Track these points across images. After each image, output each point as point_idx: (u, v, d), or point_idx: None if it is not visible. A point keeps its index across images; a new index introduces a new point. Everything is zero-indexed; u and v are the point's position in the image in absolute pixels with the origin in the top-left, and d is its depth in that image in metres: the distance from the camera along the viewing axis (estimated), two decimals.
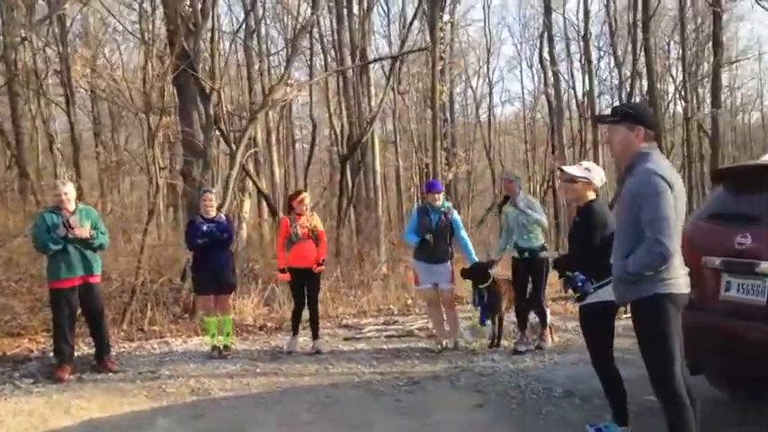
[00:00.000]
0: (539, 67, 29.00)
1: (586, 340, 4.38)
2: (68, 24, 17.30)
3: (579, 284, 4.01)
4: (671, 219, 3.31)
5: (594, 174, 4.38)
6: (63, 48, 16.33)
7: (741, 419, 4.54)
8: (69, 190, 6.56)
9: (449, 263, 7.13)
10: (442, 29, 18.32)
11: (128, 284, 9.08)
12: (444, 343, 7.14)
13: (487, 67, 31.66)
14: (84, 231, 6.38)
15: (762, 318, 3.88)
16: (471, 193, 30.01)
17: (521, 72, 64.99)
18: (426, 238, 6.94)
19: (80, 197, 8.48)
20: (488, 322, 7.17)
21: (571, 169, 4.55)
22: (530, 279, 6.86)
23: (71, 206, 6.51)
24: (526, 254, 6.76)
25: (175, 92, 11.82)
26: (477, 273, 6.97)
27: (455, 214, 7.20)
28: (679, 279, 3.45)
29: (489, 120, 31.50)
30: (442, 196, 7.14)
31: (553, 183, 25.18)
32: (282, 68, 20.78)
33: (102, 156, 18.86)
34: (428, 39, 21.38)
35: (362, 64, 14.91)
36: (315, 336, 7.30)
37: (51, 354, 6.82)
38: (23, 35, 13.75)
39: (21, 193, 13.48)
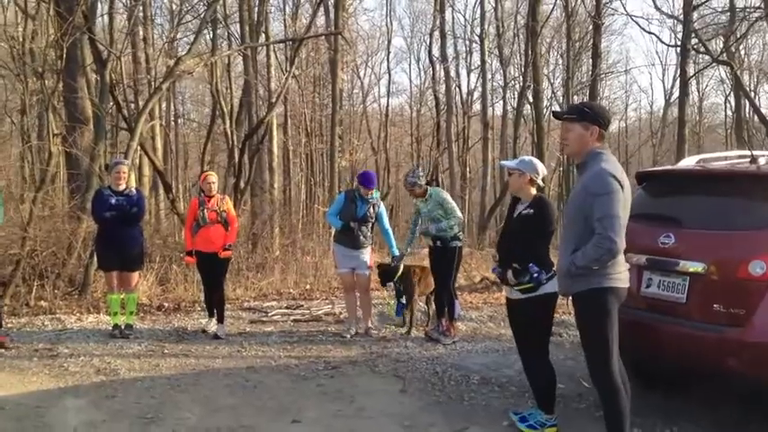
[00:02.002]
0: (426, 62, 29.70)
1: (524, 333, 4.45)
2: None
3: (535, 275, 4.15)
4: (621, 217, 3.53)
5: (527, 166, 4.46)
6: None
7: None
8: None
9: (368, 249, 7.22)
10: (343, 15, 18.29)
11: (9, 257, 8.44)
12: (354, 329, 7.19)
13: (387, 56, 31.79)
14: None
15: (681, 314, 4.22)
16: (355, 183, 30.15)
17: (409, 65, 66.04)
18: (351, 225, 6.98)
19: None
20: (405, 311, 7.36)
21: (507, 162, 4.73)
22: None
23: None
24: (438, 242, 6.92)
25: (60, 54, 11.04)
26: (384, 274, 7.28)
27: (381, 206, 7.31)
28: (621, 274, 3.69)
29: (386, 112, 31.66)
30: (374, 189, 7.18)
31: (437, 176, 25.79)
32: (168, 41, 20.21)
33: None
34: (320, 24, 21.44)
35: (271, 43, 14.61)
36: (218, 320, 7.11)
37: None
38: None
39: None
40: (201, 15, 11.25)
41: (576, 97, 26.88)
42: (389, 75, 40.25)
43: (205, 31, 12.34)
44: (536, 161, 4.55)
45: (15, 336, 6.72)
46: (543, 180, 4.53)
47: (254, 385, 5.35)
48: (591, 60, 22.11)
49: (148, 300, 8.70)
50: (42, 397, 4.94)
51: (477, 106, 29.83)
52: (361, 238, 7.05)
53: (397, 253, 7.30)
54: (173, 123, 26.96)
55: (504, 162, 4.82)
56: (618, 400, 3.62)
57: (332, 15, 18.94)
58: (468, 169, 30.30)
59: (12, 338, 6.51)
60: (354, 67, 31.65)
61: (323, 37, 19.11)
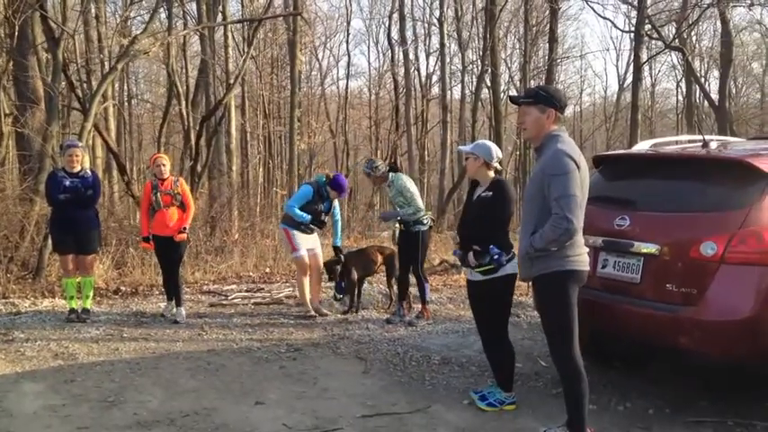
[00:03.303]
0: (385, 44, 29.66)
1: (486, 313, 4.53)
2: None
3: (496, 257, 4.23)
4: (577, 197, 3.60)
5: (480, 149, 4.52)
6: None
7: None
8: None
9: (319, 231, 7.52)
10: None
11: None
12: (309, 310, 7.24)
13: (346, 38, 31.53)
14: None
15: (635, 294, 4.35)
16: (313, 166, 30.12)
17: (368, 48, 65.69)
18: (321, 221, 7.29)
19: None
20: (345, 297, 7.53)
21: (462, 147, 4.81)
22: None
23: None
24: (402, 226, 7.00)
25: (8, 31, 10.72)
26: (330, 268, 7.47)
27: (337, 206, 7.53)
28: (581, 257, 3.77)
29: (347, 94, 31.51)
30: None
31: (396, 159, 25.85)
32: (121, 19, 19.74)
33: None
34: (275, 4, 21.18)
35: (229, 23, 14.39)
36: (177, 303, 7.06)
37: None
38: None
39: None
40: None
41: (532, 81, 27.20)
42: (349, 57, 39.97)
43: (161, 10, 12.04)
44: (491, 145, 4.61)
45: None
46: (500, 163, 4.60)
47: (215, 368, 5.34)
48: (548, 45, 22.35)
49: (105, 284, 8.57)
50: None
51: (435, 90, 29.99)
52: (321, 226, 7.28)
53: (339, 244, 7.56)
54: (126, 104, 26.38)
55: (460, 147, 4.89)
56: (579, 382, 3.69)
57: None
58: (426, 152, 30.44)
59: None
60: (313, 48, 31.45)
61: (281, 18, 18.91)
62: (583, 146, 34.07)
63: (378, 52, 38.16)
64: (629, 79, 26.75)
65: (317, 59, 32.79)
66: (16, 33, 8.78)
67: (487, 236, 4.30)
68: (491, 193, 4.41)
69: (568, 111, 38.46)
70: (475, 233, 4.39)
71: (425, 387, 4.98)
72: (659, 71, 36.63)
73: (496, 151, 4.58)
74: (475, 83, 22.41)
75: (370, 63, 63.44)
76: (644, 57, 20.57)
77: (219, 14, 15.34)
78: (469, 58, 28.77)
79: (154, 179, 6.98)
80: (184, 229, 6.92)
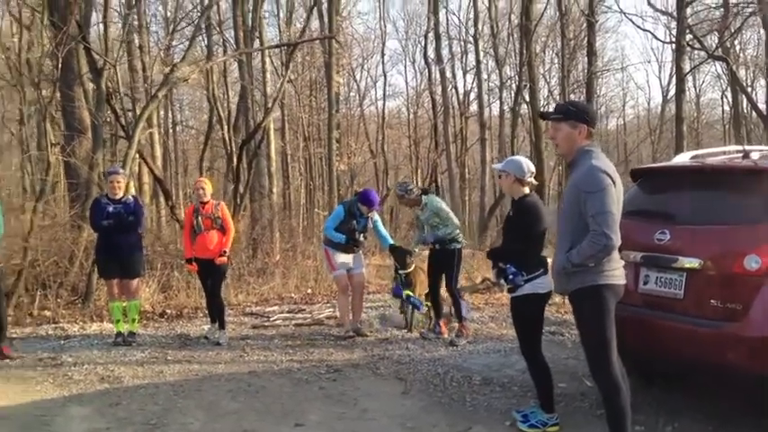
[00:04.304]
0: (422, 63, 29.77)
1: (517, 331, 4.56)
2: None
3: (510, 276, 4.21)
4: (614, 213, 3.56)
5: (512, 166, 4.50)
6: None
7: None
8: None
9: (360, 250, 7.48)
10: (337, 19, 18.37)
11: (12, 267, 8.47)
12: (349, 330, 7.24)
13: (382, 59, 31.81)
14: None
15: (678, 310, 4.25)
16: (354, 186, 30.26)
17: (405, 67, 66.04)
18: (357, 240, 7.23)
19: None
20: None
21: (496, 165, 4.79)
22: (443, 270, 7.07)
23: None
24: (437, 245, 6.99)
25: (56, 64, 11.11)
26: (401, 253, 7.34)
27: (376, 214, 7.46)
28: (617, 271, 3.72)
29: (385, 114, 31.70)
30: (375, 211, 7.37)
31: (436, 177, 25.83)
32: (164, 48, 20.25)
33: None
34: (315, 28, 21.48)
35: (265, 48, 14.65)
36: (219, 326, 7.15)
37: None
38: None
39: None
40: (195, 22, 11.28)
41: (572, 95, 26.96)
42: (385, 77, 40.14)
43: (200, 38, 12.35)
44: (523, 161, 4.57)
45: (19, 346, 6.76)
46: (535, 178, 4.58)
47: (256, 390, 5.38)
48: (586, 58, 22.15)
49: (151, 307, 8.73)
50: (47, 406, 4.98)
51: (474, 107, 29.94)
52: (357, 244, 7.26)
53: (392, 242, 7.60)
54: (171, 131, 26.98)
55: (494, 165, 4.89)
56: (619, 397, 3.65)
57: (326, 19, 18.96)
58: (466, 170, 30.35)
59: (16, 348, 6.54)
60: (350, 70, 31.72)
61: (317, 41, 19.14)
62: (628, 159, 33.56)
63: (415, 71, 38.16)
64: (673, 91, 26.31)
65: (355, 81, 33.06)
66: (60, 65, 9.04)
67: (508, 254, 4.29)
68: (512, 212, 4.43)
69: (611, 124, 38.02)
70: (500, 251, 4.39)
71: (466, 408, 4.92)
72: (703, 81, 35.77)
73: (528, 166, 4.54)
74: (513, 98, 22.29)
75: (407, 83, 63.55)
76: (686, 67, 20.21)
77: (257, 40, 15.63)
78: (507, 74, 28.72)
79: (196, 203, 7.13)
80: (224, 252, 7.02)
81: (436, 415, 4.76)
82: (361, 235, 7.32)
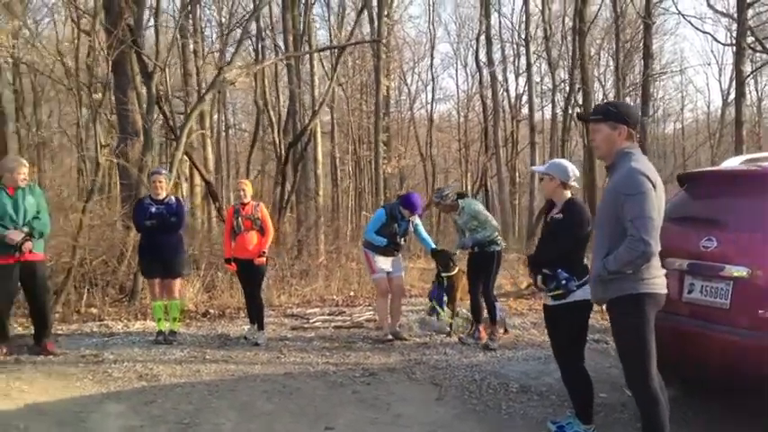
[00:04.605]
0: (474, 66, 29.53)
1: (558, 339, 4.39)
2: None
3: (564, 282, 4.05)
4: (654, 218, 3.40)
5: (556, 169, 4.39)
6: None
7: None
8: (27, 169, 6.26)
9: (400, 253, 7.46)
10: (384, 23, 18.37)
11: (62, 265, 8.70)
12: (388, 334, 7.20)
13: (431, 63, 31.70)
14: (16, 235, 6.05)
15: (724, 320, 4.04)
16: (403, 189, 30.22)
17: (456, 71, 65.73)
18: (398, 243, 7.21)
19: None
20: (442, 315, 7.36)
21: (536, 167, 4.66)
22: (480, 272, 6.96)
23: (23, 184, 6.20)
24: (476, 248, 6.88)
25: (111, 68, 11.38)
26: (444, 256, 7.32)
27: (417, 218, 7.42)
28: (658, 279, 3.56)
29: (434, 117, 31.61)
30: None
31: (485, 181, 25.58)
32: (219, 52, 20.59)
33: (25, 132, 17.94)
34: (366, 32, 21.50)
35: (312, 51, 14.75)
36: (258, 327, 7.17)
37: None
38: None
39: None
40: (241, 25, 11.41)
41: (628, 98, 26.36)
42: (433, 81, 39.89)
43: (249, 42, 12.49)
44: (566, 163, 4.46)
45: (63, 342, 6.89)
46: (577, 182, 4.43)
47: (290, 392, 5.36)
48: (642, 61, 21.59)
49: (195, 306, 8.84)
50: (84, 402, 5.04)
51: (525, 110, 29.55)
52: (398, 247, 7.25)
53: (435, 245, 7.62)
54: (224, 134, 27.41)
55: (534, 167, 4.75)
56: (657, 409, 3.50)
57: (375, 23, 18.98)
58: (517, 174, 29.97)
59: (60, 345, 6.68)
60: (401, 73, 31.73)
61: (366, 45, 19.17)
62: (686, 164, 32.56)
63: (466, 75, 37.94)
64: (733, 94, 25.43)
65: (406, 84, 33.05)
66: (109, 69, 9.25)
67: (557, 259, 4.13)
68: (561, 215, 4.25)
69: (669, 128, 36.95)
70: (544, 256, 4.23)
71: (501, 416, 4.81)
72: (766, 84, 34.53)
73: (573, 170, 4.42)
74: (564, 102, 21.91)
75: (458, 86, 63.43)
76: (747, 70, 19.51)
77: (306, 44, 15.74)
78: (561, 76, 28.27)
79: (236, 204, 7.18)
80: (263, 252, 7.05)
81: (470, 422, 4.65)
82: (402, 239, 7.29)
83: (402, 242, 7.32)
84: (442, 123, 36.66)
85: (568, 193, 4.37)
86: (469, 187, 31.20)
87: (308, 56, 15.71)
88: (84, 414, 4.77)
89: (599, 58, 29.59)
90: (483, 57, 26.34)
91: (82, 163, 13.21)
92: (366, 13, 20.42)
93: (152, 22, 10.97)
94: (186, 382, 5.59)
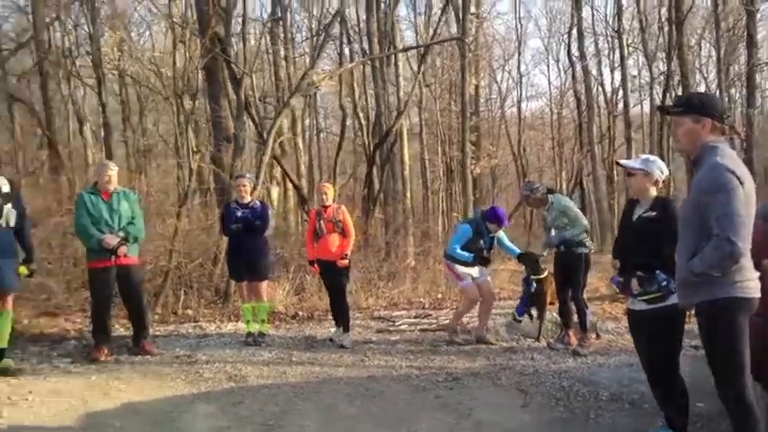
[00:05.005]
0: (566, 62, 28.81)
1: (643, 346, 4.16)
2: (98, 5, 17.27)
3: (664, 284, 3.85)
4: (742, 216, 3.17)
5: (653, 165, 4.18)
6: (93, 28, 16.33)
7: None
8: (114, 173, 6.55)
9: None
10: (470, 21, 18.16)
11: (160, 268, 9.08)
12: (461, 337, 7.21)
13: (519, 59, 31.14)
14: (112, 239, 6.35)
15: None
16: (495, 189, 29.85)
17: (547, 67, 64.34)
18: (484, 257, 7.16)
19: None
20: (525, 317, 7.19)
21: (628, 162, 4.42)
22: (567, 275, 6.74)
23: (111, 187, 6.50)
24: (562, 247, 6.67)
25: (204, 77, 11.80)
26: (531, 259, 7.19)
27: (501, 232, 7.33)
28: (750, 282, 3.32)
29: (519, 115, 31.06)
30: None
31: (581, 179, 24.87)
32: (309, 57, 20.98)
33: (130, 139, 18.90)
34: (454, 31, 21.34)
35: (393, 53, 14.77)
36: (344, 329, 7.23)
37: (89, 333, 6.84)
38: (55, 15, 13.76)
39: (52, 173, 13.52)
40: (323, 29, 11.57)
41: (732, 90, 25.02)
42: (520, 78, 39.18)
43: (334, 45, 12.62)
44: (659, 160, 4.24)
45: (161, 343, 7.18)
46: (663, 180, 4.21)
47: (373, 395, 5.36)
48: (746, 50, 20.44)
49: (284, 308, 9.02)
50: (176, 402, 5.22)
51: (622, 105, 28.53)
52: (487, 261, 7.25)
53: (521, 250, 7.53)
54: (315, 138, 27.91)
55: (625, 162, 4.48)
56: (750, 423, 3.27)
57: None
58: (615, 172, 28.97)
59: (157, 345, 6.96)
60: (491, 71, 31.32)
61: (452, 43, 18.99)
62: None
63: (558, 70, 37.02)
64: None
65: (496, 82, 32.61)
66: (203, 77, 9.58)
67: (653, 260, 3.91)
68: (654, 213, 4.03)
69: None
70: (638, 258, 4.01)
71: (589, 425, 4.62)
72: None
73: (665, 167, 4.22)
74: (662, 95, 20.99)
75: (550, 82, 62.05)
76: None
77: (390, 45, 15.78)
78: (659, 69, 27.12)
79: (319, 207, 7.28)
80: (346, 255, 7.10)
81: (555, 431, 4.50)
82: (488, 252, 7.22)
83: (488, 256, 7.23)
84: (534, 121, 35.96)
85: (654, 191, 4.16)
86: (564, 186, 30.47)
87: (393, 57, 15.71)
88: (176, 414, 4.93)
89: (699, 49, 28.20)
90: (575, 51, 25.73)
91: (180, 170, 13.75)
92: (453, 11, 20.32)
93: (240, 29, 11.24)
94: (273, 384, 5.70)
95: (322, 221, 7.09)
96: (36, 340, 7.20)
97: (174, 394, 5.44)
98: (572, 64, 26.75)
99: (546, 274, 7.12)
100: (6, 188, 5.85)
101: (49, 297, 8.18)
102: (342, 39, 15.27)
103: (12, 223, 5.83)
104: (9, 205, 5.82)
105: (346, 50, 22.01)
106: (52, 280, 8.30)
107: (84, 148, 17.79)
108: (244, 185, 7.19)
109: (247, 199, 7.17)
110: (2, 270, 5.73)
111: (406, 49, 16.57)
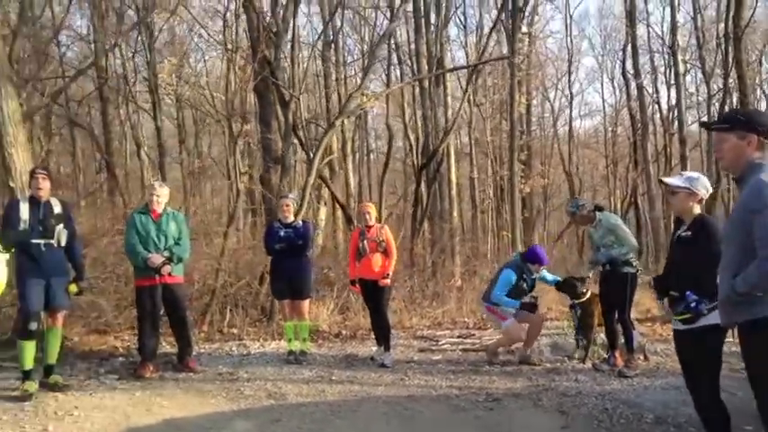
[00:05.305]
0: (620, 79, 28.34)
1: (693, 367, 4.04)
2: (156, 33, 17.89)
3: (693, 305, 3.73)
4: None
5: (697, 183, 4.07)
6: (151, 55, 16.91)
7: None
8: (162, 193, 6.72)
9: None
10: (520, 40, 18.09)
11: (208, 287, 9.25)
12: (501, 358, 7.16)
13: (568, 79, 30.83)
14: (157, 259, 6.51)
15: None
16: (547, 208, 29.47)
17: (601, 85, 63.44)
18: (533, 302, 7.12)
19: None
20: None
21: (672, 180, 4.30)
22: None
23: (159, 209, 6.67)
24: (607, 266, 6.52)
25: (256, 99, 12.06)
26: (569, 284, 7.11)
27: (544, 271, 7.33)
28: None
29: (570, 133, 30.68)
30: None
31: (635, 198, 24.34)
32: (359, 78, 21.23)
33: (186, 161, 19.42)
34: (505, 50, 21.27)
35: (439, 73, 14.81)
36: (385, 348, 7.20)
37: (136, 351, 7.00)
38: (114, 42, 14.30)
39: (110, 195, 13.97)
40: (371, 51, 11.71)
41: None
42: (571, 96, 38.66)
43: (382, 66, 12.72)
44: (703, 177, 4.13)
45: (205, 360, 7.30)
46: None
47: (411, 415, 5.32)
48: None
49: (328, 327, 9.06)
50: (216, 419, 5.27)
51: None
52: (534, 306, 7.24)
53: (556, 278, 7.42)
54: (365, 158, 28.14)
55: (669, 180, 4.35)
56: None
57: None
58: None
59: (201, 363, 7.07)
60: (543, 90, 31.05)
61: (506, 63, 18.95)
62: None
63: (613, 88, 36.37)
64: None
65: (548, 100, 32.29)
66: (249, 100, 9.79)
67: (685, 281, 3.79)
68: (690, 232, 3.92)
69: None
70: (672, 278, 3.90)
71: None
72: None
73: (709, 184, 4.11)
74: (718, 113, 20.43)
75: (604, 100, 61.18)
76: None
77: (438, 66, 15.84)
78: (718, 86, 26.42)
79: (362, 226, 7.31)
80: (387, 274, 7.09)
81: None
82: (532, 293, 7.20)
83: (534, 300, 7.17)
84: (588, 139, 35.42)
85: (697, 210, 4.04)
86: (618, 205, 29.87)
87: (442, 78, 15.75)
88: (215, 430, 4.98)
89: (760, 65, 27.40)
90: (630, 68, 25.29)
91: (230, 191, 14.06)
92: (503, 31, 20.28)
93: (289, 52, 11.46)
94: (311, 402, 5.71)
95: (365, 241, 7.12)
96: (85, 357, 7.39)
97: (215, 411, 5.49)
98: (626, 82, 26.29)
99: (588, 295, 6.96)
100: (58, 209, 6.06)
101: (99, 315, 8.39)
102: (390, 60, 15.37)
103: (63, 243, 6.01)
104: (61, 225, 6.01)
105: (397, 72, 22.26)
106: (103, 298, 8.53)
107: (140, 170, 18.38)
108: (287, 205, 7.29)
109: (290, 219, 7.26)
110: (53, 288, 5.92)
111: (453, 69, 16.60)
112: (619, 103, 31.72)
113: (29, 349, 5.85)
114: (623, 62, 26.29)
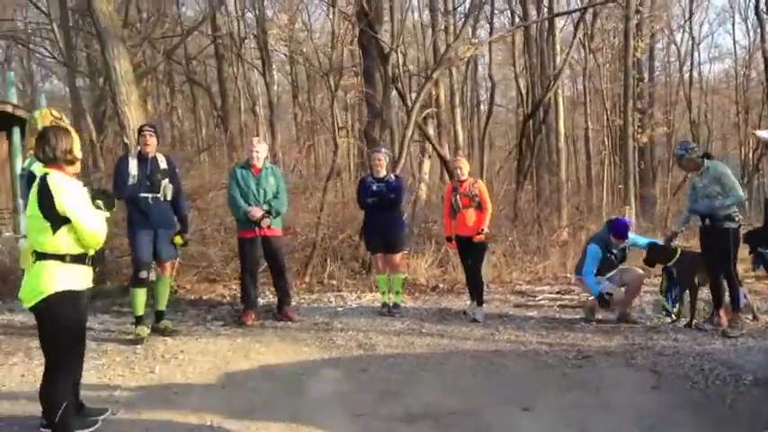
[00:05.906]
0: (754, 19, 26.14)
1: None
2: None
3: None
4: None
5: None
6: (260, 13, 17.29)
7: None
8: (261, 149, 6.94)
9: None
10: None
11: (310, 239, 9.52)
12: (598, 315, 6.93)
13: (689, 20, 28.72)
14: (256, 212, 6.73)
15: None
16: (671, 158, 27.89)
17: (733, 26, 58.72)
18: (605, 299, 6.69)
19: (273, 157, 8.95)
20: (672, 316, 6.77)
21: (763, 133, 3.96)
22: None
23: (259, 164, 6.89)
24: (707, 221, 6.11)
25: (360, 53, 12.05)
26: (657, 253, 6.67)
27: (633, 236, 7.02)
28: None
29: (691, 78, 28.72)
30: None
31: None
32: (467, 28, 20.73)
33: (298, 116, 19.89)
34: None
35: (546, 18, 14.19)
36: (478, 303, 7.15)
37: (240, 299, 7.33)
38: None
39: (228, 149, 14.58)
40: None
41: None
42: (695, 39, 35.98)
43: (481, 15, 12.36)
44: None
45: (304, 310, 7.57)
46: None
47: (496, 369, 5.31)
48: None
49: (426, 280, 9.11)
50: (307, 366, 5.48)
51: None
52: None
53: (650, 240, 7.00)
54: (475, 109, 27.67)
55: (761, 133, 4.01)
56: None
57: None
58: None
59: (300, 313, 7.34)
60: (669, 32, 29.12)
61: (612, 5, 17.88)
62: None
63: (746, 28, 33.57)
64: None
65: (675, 44, 30.28)
66: (352, 53, 9.83)
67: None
68: None
69: None
70: (759, 233, 3.64)
71: (723, 410, 4.27)
72: None
73: None
74: None
75: (736, 42, 56.59)
76: None
77: (545, 10, 15.18)
78: None
79: (455, 182, 7.23)
80: (482, 229, 7.00)
81: (683, 414, 4.21)
82: (620, 263, 6.92)
83: (609, 299, 6.68)
84: (718, 85, 33.06)
85: None
86: (750, 156, 27.87)
87: (549, 24, 15.09)
88: (305, 377, 5.19)
89: None
90: (764, 7, 23.25)
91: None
92: None
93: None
94: (399, 353, 5.81)
95: (458, 196, 7.05)
96: (195, 304, 7.86)
97: (307, 359, 5.72)
98: (761, 21, 24.25)
99: (678, 256, 6.53)
100: (164, 164, 6.40)
101: (209, 265, 8.86)
102: (492, 8, 14.86)
103: (169, 197, 6.36)
104: (166, 180, 6.35)
105: (503, 19, 21.56)
106: (212, 248, 8.98)
107: (255, 126, 19.02)
108: (379, 159, 7.31)
109: (383, 173, 7.28)
110: (161, 240, 6.31)
111: (558, 15, 15.78)
112: (752, 45, 29.36)
113: (140, 296, 6.30)
114: (757, 1, 24.23)
